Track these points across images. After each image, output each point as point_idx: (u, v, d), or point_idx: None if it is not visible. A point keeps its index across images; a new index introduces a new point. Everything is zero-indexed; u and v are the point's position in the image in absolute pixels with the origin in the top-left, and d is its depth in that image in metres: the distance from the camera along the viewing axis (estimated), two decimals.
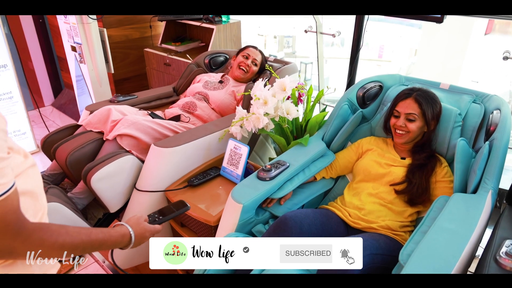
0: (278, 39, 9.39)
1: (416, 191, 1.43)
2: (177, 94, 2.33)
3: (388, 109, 1.59)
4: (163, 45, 3.06)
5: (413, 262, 1.03)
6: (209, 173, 1.69)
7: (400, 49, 9.63)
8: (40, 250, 0.80)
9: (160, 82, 3.02)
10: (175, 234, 1.70)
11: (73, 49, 2.61)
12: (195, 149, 1.67)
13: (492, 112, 1.52)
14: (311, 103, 1.86)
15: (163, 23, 3.10)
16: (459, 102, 1.59)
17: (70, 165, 1.57)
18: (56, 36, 3.65)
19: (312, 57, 7.51)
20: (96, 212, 1.66)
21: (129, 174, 1.62)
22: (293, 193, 1.54)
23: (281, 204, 1.48)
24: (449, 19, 1.68)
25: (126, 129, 1.65)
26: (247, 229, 1.39)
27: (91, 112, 1.83)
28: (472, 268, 1.24)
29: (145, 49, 3.01)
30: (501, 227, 1.17)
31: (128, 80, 3.25)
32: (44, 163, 2.39)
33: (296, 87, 1.71)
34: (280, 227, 1.24)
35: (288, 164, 1.49)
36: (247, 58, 2.19)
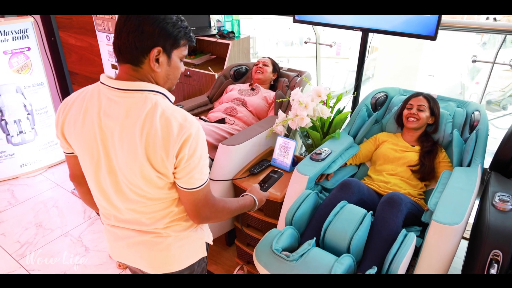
0: None
1: (427, 171, 1.94)
2: (211, 102, 2.73)
3: (401, 106, 2.10)
4: None
5: (440, 207, 1.52)
6: (263, 164, 2.12)
7: (357, 47, 10.13)
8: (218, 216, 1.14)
9: (180, 92, 3.39)
10: (240, 234, 2.10)
11: (114, 67, 2.92)
12: (251, 145, 2.10)
13: (474, 113, 2.06)
14: (330, 105, 2.33)
15: None
16: (447, 107, 2.13)
17: None
18: (69, 53, 3.91)
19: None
20: None
21: None
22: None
23: (328, 180, 1.94)
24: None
25: None
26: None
27: None
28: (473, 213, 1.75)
29: None
30: (491, 185, 1.70)
31: None
32: None
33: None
34: (346, 186, 1.74)
35: (331, 151, 1.95)
36: (257, 64, 2.69)
